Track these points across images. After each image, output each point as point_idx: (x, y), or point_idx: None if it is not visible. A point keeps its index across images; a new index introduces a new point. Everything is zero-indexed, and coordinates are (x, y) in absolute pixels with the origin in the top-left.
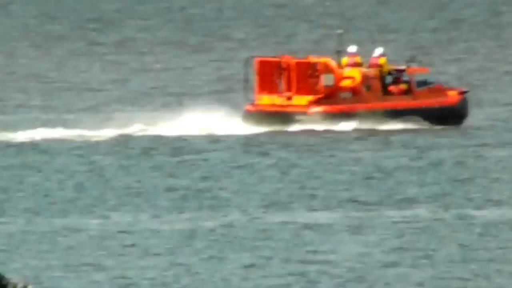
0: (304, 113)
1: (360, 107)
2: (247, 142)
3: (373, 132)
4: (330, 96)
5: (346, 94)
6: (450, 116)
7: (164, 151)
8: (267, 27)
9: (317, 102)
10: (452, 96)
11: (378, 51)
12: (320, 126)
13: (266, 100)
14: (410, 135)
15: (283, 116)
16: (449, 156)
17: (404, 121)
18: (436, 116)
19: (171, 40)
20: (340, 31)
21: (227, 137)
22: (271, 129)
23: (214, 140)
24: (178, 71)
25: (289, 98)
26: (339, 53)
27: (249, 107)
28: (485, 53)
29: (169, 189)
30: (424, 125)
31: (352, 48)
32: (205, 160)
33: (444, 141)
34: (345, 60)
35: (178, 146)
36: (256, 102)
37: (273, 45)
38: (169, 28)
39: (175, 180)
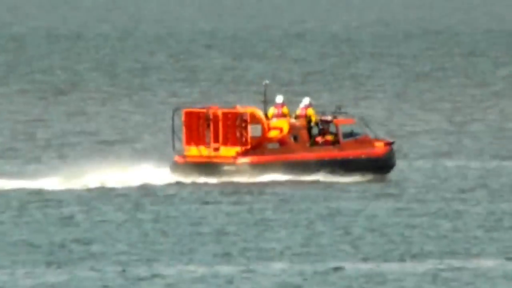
0: (232, 164)
1: (287, 157)
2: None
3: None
4: (257, 146)
5: (274, 145)
6: (377, 167)
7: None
8: (193, 73)
9: (245, 153)
10: (379, 147)
11: (305, 101)
12: (247, 177)
13: (194, 151)
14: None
15: (211, 167)
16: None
17: (331, 172)
18: (363, 167)
19: (102, 87)
20: (266, 81)
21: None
22: (199, 180)
23: (147, 191)
24: (107, 118)
25: (216, 149)
26: (266, 103)
27: (177, 158)
28: (413, 105)
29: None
30: (348, 176)
31: (279, 99)
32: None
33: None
34: (271, 110)
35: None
36: (184, 153)
37: (199, 95)
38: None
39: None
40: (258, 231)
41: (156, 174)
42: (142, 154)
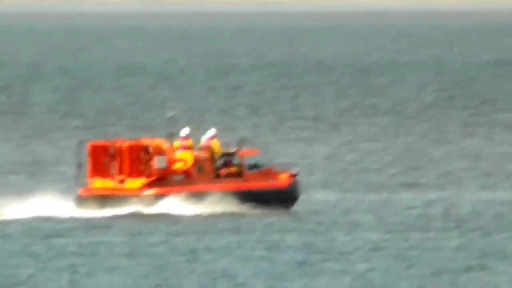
0: (137, 196)
1: (192, 189)
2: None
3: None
4: (162, 178)
5: (179, 177)
6: (281, 198)
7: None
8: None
9: (150, 185)
10: (283, 179)
11: (210, 132)
12: (152, 209)
13: (99, 183)
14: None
15: (116, 200)
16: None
17: (236, 203)
18: (267, 198)
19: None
20: (171, 113)
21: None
22: (105, 212)
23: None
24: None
25: (121, 181)
26: (171, 135)
27: (82, 191)
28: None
29: None
30: (252, 207)
31: (184, 131)
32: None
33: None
34: (176, 143)
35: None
36: (89, 186)
37: (104, 128)
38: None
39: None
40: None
41: (59, 206)
42: (46, 185)
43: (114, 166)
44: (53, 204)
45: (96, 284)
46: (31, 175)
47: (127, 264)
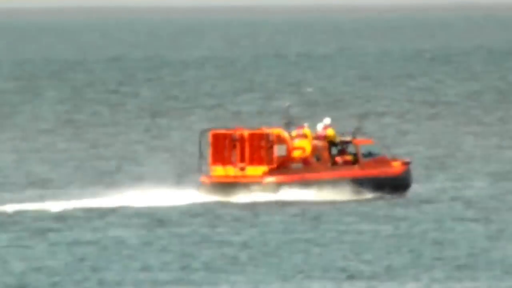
0: (259, 183)
1: (311, 177)
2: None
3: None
4: (282, 166)
5: (297, 165)
6: (396, 185)
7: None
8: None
9: (271, 172)
10: (396, 167)
11: (325, 121)
12: (274, 196)
13: (220, 171)
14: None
15: (238, 187)
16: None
17: (353, 190)
18: (383, 185)
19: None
20: (288, 103)
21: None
22: (227, 200)
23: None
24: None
25: (242, 169)
26: (288, 125)
27: (204, 178)
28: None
29: None
30: (370, 194)
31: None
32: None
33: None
34: (294, 131)
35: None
36: (211, 173)
37: (224, 118)
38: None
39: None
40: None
41: (180, 194)
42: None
43: (235, 154)
44: (174, 192)
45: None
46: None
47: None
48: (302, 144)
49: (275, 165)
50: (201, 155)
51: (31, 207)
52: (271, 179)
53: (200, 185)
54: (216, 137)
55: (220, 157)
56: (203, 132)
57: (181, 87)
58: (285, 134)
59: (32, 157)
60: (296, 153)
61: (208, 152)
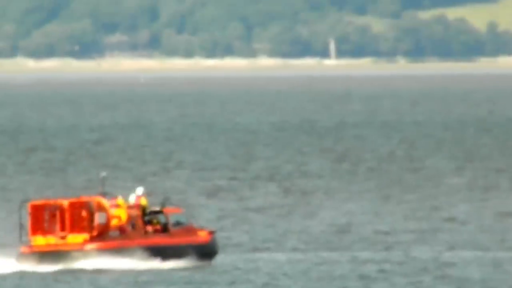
0: (81, 250)
1: (129, 244)
2: None
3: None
4: (102, 233)
5: (115, 232)
6: (204, 253)
7: None
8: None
9: (92, 240)
10: (204, 235)
11: (139, 190)
12: (96, 262)
13: (41, 240)
14: None
15: (60, 255)
16: None
17: (163, 258)
18: (191, 253)
19: None
20: (103, 174)
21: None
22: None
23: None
24: None
25: (63, 237)
26: (104, 194)
27: (24, 248)
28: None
29: None
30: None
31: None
32: None
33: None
34: (108, 201)
35: None
36: (31, 243)
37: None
38: None
39: None
40: None
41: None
42: None
43: (56, 223)
44: None
45: None
46: None
47: None
48: (118, 213)
49: (96, 233)
50: (22, 226)
51: None
52: (92, 245)
53: (20, 255)
54: (35, 207)
55: (40, 227)
56: (22, 203)
57: None
58: (105, 202)
59: None
60: (114, 222)
61: (28, 222)
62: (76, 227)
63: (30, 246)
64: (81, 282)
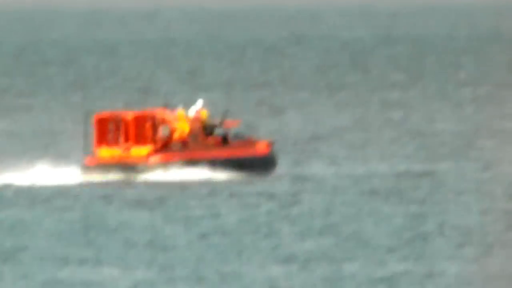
0: (144, 163)
1: (191, 156)
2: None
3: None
4: (165, 146)
5: (177, 145)
6: (263, 165)
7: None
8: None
9: (155, 152)
10: (262, 147)
11: (198, 103)
12: (160, 175)
13: (105, 152)
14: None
15: (124, 167)
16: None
17: (224, 170)
18: (252, 165)
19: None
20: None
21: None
22: (112, 180)
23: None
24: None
25: (127, 149)
26: (166, 106)
27: (88, 160)
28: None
29: None
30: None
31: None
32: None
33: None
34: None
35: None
36: (95, 154)
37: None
38: None
39: None
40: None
41: (67, 174)
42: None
43: (120, 135)
44: (59, 172)
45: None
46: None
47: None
48: (180, 126)
49: (159, 145)
50: (86, 136)
51: None
52: (156, 158)
53: (84, 166)
54: (100, 118)
55: (104, 139)
56: (86, 114)
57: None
58: (168, 115)
59: None
60: (176, 134)
61: (93, 134)
62: (140, 140)
63: (95, 158)
64: (144, 194)
